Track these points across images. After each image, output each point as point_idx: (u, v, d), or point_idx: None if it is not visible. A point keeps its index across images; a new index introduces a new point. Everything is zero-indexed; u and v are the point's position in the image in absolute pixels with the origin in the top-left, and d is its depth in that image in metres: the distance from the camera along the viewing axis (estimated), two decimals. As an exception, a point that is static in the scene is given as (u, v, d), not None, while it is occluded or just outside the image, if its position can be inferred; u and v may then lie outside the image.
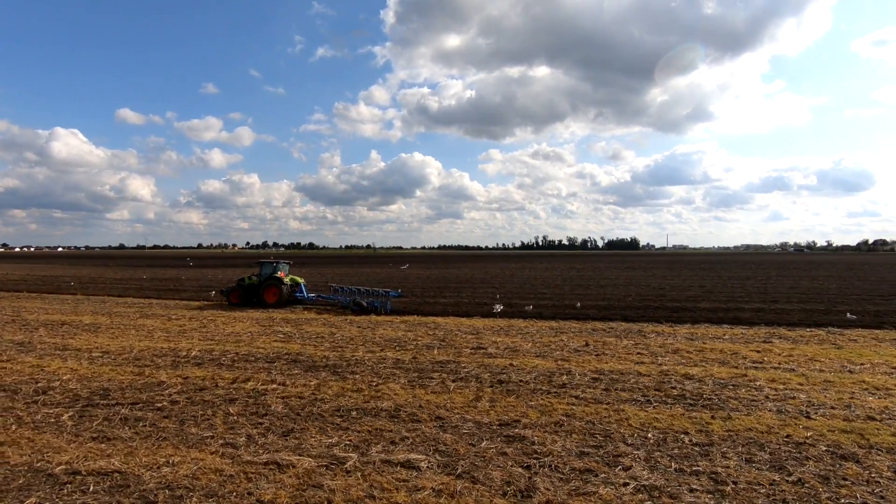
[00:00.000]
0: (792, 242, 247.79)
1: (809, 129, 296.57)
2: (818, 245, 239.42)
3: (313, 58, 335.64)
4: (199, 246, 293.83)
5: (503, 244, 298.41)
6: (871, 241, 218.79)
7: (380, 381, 10.20)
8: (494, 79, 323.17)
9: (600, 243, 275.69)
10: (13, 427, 7.65)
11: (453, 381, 10.22)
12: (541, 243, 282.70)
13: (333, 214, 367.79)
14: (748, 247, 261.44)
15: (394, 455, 6.59)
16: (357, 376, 10.63)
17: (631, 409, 8.40)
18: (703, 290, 29.11)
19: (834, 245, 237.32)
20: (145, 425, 7.72)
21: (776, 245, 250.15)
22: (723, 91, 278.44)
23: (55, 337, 15.26)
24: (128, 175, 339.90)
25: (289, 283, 24.27)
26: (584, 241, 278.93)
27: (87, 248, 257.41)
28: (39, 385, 9.94)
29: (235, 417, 8.10)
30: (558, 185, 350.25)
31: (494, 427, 7.62)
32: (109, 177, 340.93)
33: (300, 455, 6.60)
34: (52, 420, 7.98)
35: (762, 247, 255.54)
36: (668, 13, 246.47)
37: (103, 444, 6.97)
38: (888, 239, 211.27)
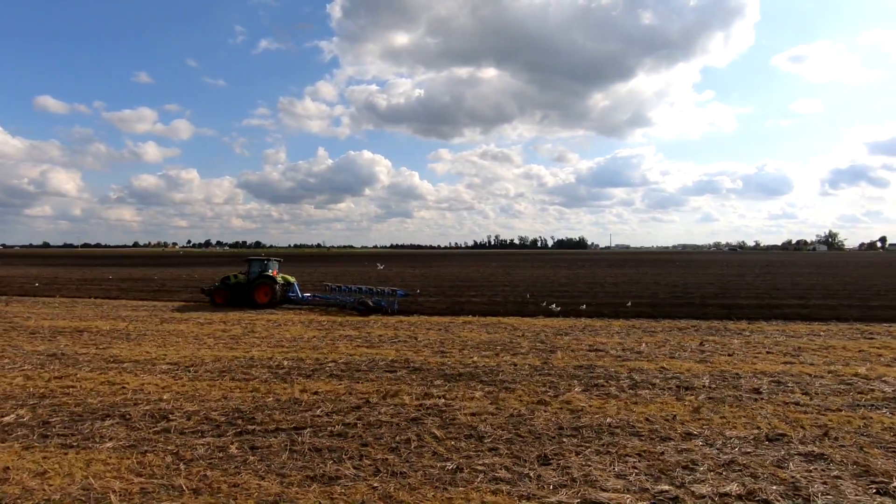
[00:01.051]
0: (724, 242, 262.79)
1: (736, 136, 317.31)
2: (747, 245, 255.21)
3: (256, 50, 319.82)
4: (136, 244, 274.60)
5: (455, 244, 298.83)
6: (794, 241, 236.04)
7: (555, 391, 8.98)
8: (443, 79, 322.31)
9: (550, 242, 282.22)
10: (192, 469, 5.88)
11: (630, 388, 9.17)
12: (493, 242, 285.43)
13: (279, 212, 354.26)
14: (685, 246, 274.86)
15: (721, 487, 5.46)
16: (518, 385, 9.35)
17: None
18: (724, 287, 29.51)
19: (762, 245, 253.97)
20: (352, 457, 6.19)
21: (711, 244, 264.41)
22: (660, 98, 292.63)
23: (88, 347, 12.95)
24: (50, 168, 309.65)
25: (281, 282, 22.47)
26: (534, 241, 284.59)
27: (4, 246, 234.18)
28: (146, 408, 8.04)
29: (448, 441, 6.69)
30: (506, 185, 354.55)
31: (764, 442, 6.66)
32: (28, 169, 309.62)
33: (607, 491, 5.36)
34: (221, 454, 6.28)
35: (697, 246, 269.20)
36: (609, 22, 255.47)
37: (338, 487, 5.43)
38: (807, 240, 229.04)
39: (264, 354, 12.02)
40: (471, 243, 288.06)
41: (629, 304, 20.93)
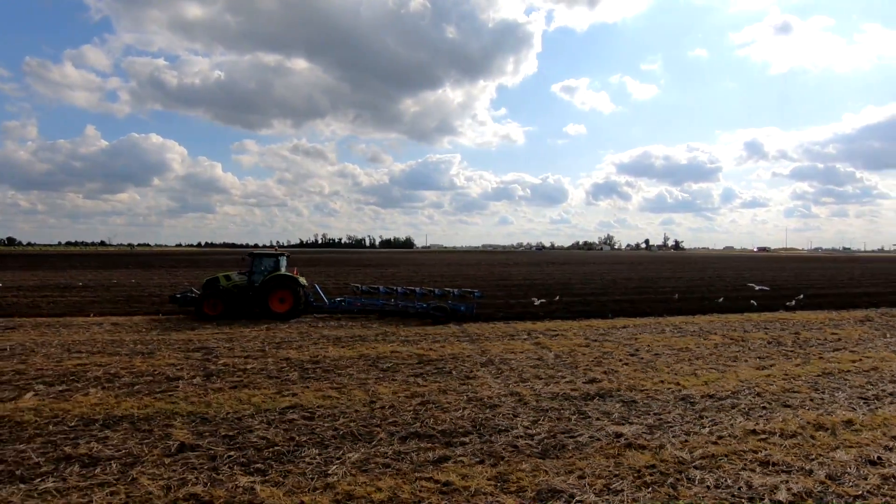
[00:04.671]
0: (525, 242, 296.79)
1: (525, 150, 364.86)
2: (544, 246, 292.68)
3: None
4: None
5: (277, 242, 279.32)
6: (581, 242, 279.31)
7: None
8: (248, 63, 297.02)
9: (377, 241, 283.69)
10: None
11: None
12: (320, 241, 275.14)
13: (31, 202, 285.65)
14: (494, 246, 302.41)
15: None
16: None
17: None
18: (719, 280, 33.91)
19: (556, 245, 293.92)
20: None
21: (515, 244, 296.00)
22: (464, 110, 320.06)
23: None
24: None
25: (305, 283, 19.03)
26: (361, 240, 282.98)
27: None
28: None
29: None
30: (321, 182, 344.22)
31: None
32: None
33: None
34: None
35: (500, 245, 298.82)
36: (418, 31, 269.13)
37: None
38: (588, 240, 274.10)
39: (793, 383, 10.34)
40: (295, 242, 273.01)
41: (676, 296, 22.93)
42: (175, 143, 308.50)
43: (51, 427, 7.41)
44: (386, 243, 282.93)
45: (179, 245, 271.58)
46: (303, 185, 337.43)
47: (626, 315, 19.29)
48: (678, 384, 9.93)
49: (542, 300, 22.44)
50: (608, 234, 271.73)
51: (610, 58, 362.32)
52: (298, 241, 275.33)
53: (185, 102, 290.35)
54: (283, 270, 18.87)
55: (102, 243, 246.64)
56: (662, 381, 10.11)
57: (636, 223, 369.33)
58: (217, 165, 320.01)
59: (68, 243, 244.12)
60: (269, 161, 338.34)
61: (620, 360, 11.88)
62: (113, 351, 12.44)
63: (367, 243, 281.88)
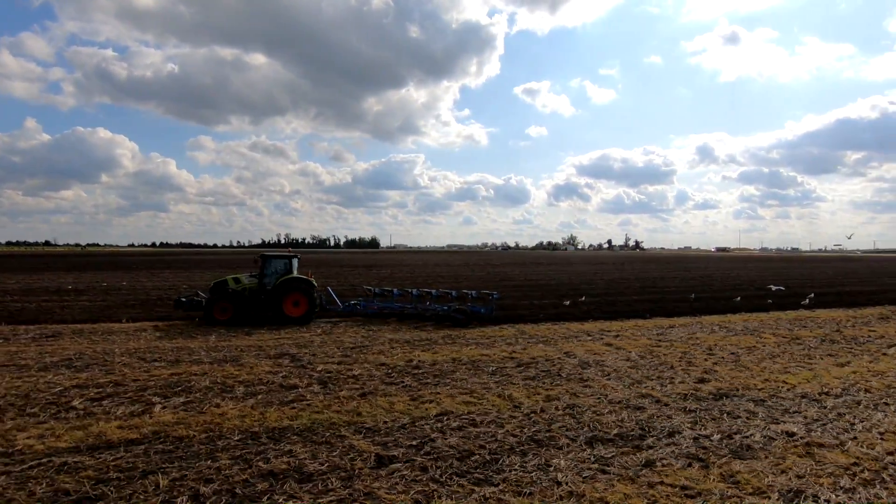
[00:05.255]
0: (490, 243, 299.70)
1: (488, 151, 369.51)
2: (509, 245, 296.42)
3: None
4: None
5: (238, 242, 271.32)
6: (545, 242, 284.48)
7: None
8: (203, 56, 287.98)
9: (342, 241, 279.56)
10: None
11: None
12: (283, 241, 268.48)
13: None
14: (459, 246, 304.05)
15: None
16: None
17: None
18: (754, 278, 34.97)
19: (520, 245, 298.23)
20: None
21: (484, 244, 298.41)
22: (427, 110, 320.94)
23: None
24: None
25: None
26: (325, 240, 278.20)
27: None
28: None
29: None
30: (282, 181, 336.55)
31: None
32: None
33: None
34: None
35: (465, 245, 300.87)
36: (381, 29, 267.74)
37: None
38: (544, 241, 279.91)
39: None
40: (257, 242, 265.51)
41: (738, 298, 23.67)
42: (125, 139, 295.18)
43: (220, 442, 7.02)
44: (351, 243, 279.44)
45: (132, 245, 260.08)
46: (262, 184, 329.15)
47: (660, 315, 19.82)
48: (784, 382, 10.34)
49: (567, 301, 22.81)
50: (571, 235, 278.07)
51: (570, 62, 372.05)
52: (260, 242, 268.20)
53: (136, 96, 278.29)
54: (295, 272, 18.27)
55: (48, 243, 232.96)
56: (767, 380, 10.50)
57: (595, 224, 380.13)
58: (171, 162, 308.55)
59: (9, 243, 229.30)
60: (226, 158, 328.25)
61: (705, 360, 12.25)
62: (191, 359, 11.85)
63: (332, 243, 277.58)
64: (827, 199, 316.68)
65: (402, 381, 10.16)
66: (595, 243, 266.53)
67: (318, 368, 11.06)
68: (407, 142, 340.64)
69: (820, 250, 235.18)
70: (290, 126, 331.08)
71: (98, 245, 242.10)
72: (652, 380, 10.47)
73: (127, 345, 13.45)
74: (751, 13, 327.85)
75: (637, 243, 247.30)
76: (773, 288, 22.61)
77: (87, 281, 33.93)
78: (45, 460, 6.34)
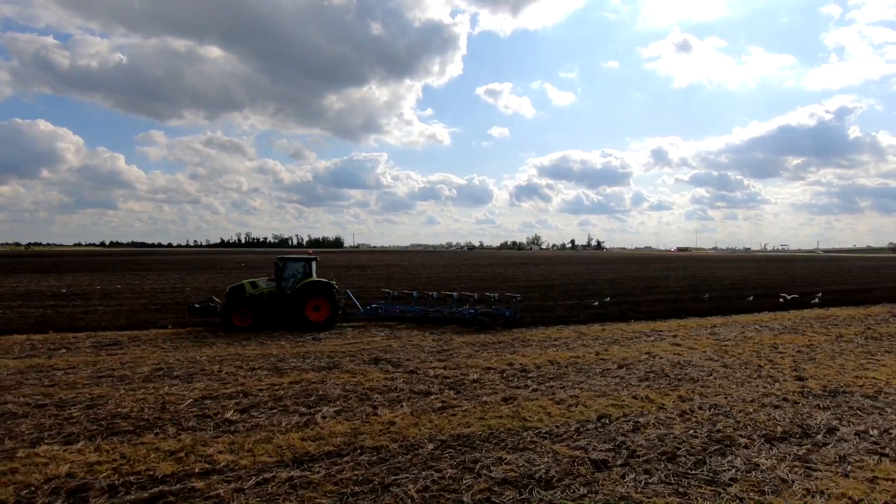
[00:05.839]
0: (454, 242, 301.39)
1: (451, 151, 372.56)
2: (474, 245, 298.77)
3: None
4: None
5: (195, 241, 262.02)
6: (509, 242, 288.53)
7: None
8: (154, 47, 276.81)
9: (304, 241, 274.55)
10: None
11: None
12: (244, 241, 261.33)
13: None
14: (424, 245, 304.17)
15: None
16: None
17: None
18: (783, 279, 36.21)
19: (484, 245, 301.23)
20: None
21: (448, 244, 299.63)
22: (390, 109, 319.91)
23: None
24: None
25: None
26: (286, 240, 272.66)
27: None
28: None
29: None
30: (239, 178, 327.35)
31: None
32: None
33: None
34: None
35: (430, 245, 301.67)
36: (342, 25, 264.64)
37: None
38: (509, 241, 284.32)
39: None
40: (204, 241, 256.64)
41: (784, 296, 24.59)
42: (68, 132, 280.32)
43: (420, 451, 6.95)
44: (314, 243, 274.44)
45: (79, 244, 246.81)
46: (218, 181, 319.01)
47: (692, 315, 20.57)
48: (874, 378, 11.05)
49: (596, 302, 23.38)
50: (535, 235, 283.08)
51: (531, 64, 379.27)
52: (220, 241, 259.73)
53: (80, 87, 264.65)
54: (314, 275, 17.67)
55: (28, 245, 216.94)
56: (857, 377, 11.19)
57: (556, 224, 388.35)
58: (119, 157, 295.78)
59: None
60: (179, 154, 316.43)
61: (781, 358, 12.88)
62: (289, 366, 11.54)
63: (294, 243, 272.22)
64: (770, 201, 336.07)
65: (526, 384, 10.25)
66: (558, 243, 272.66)
67: (430, 374, 11.00)
68: (369, 140, 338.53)
69: (770, 250, 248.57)
70: (247, 122, 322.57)
71: (41, 244, 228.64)
72: (755, 379, 10.95)
73: (202, 351, 12.94)
74: (702, 22, 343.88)
75: (599, 243, 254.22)
76: (789, 297, 24.08)
77: (75, 285, 32.07)
78: (269, 475, 6.12)
